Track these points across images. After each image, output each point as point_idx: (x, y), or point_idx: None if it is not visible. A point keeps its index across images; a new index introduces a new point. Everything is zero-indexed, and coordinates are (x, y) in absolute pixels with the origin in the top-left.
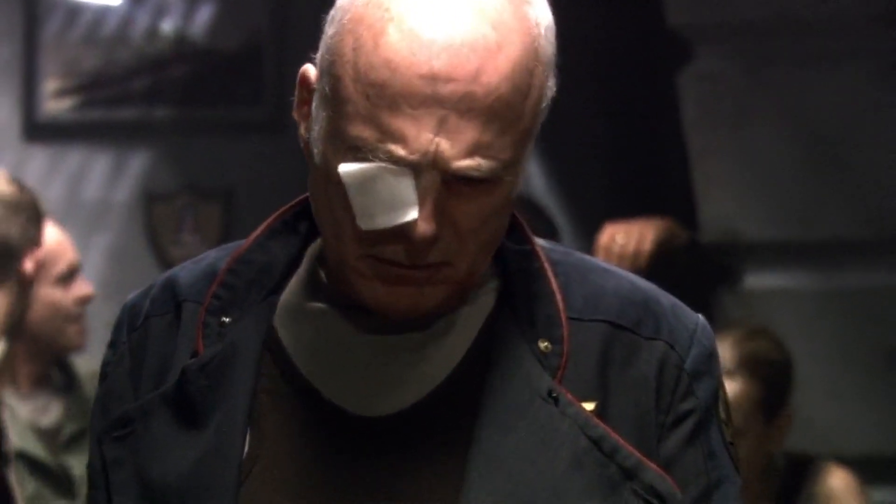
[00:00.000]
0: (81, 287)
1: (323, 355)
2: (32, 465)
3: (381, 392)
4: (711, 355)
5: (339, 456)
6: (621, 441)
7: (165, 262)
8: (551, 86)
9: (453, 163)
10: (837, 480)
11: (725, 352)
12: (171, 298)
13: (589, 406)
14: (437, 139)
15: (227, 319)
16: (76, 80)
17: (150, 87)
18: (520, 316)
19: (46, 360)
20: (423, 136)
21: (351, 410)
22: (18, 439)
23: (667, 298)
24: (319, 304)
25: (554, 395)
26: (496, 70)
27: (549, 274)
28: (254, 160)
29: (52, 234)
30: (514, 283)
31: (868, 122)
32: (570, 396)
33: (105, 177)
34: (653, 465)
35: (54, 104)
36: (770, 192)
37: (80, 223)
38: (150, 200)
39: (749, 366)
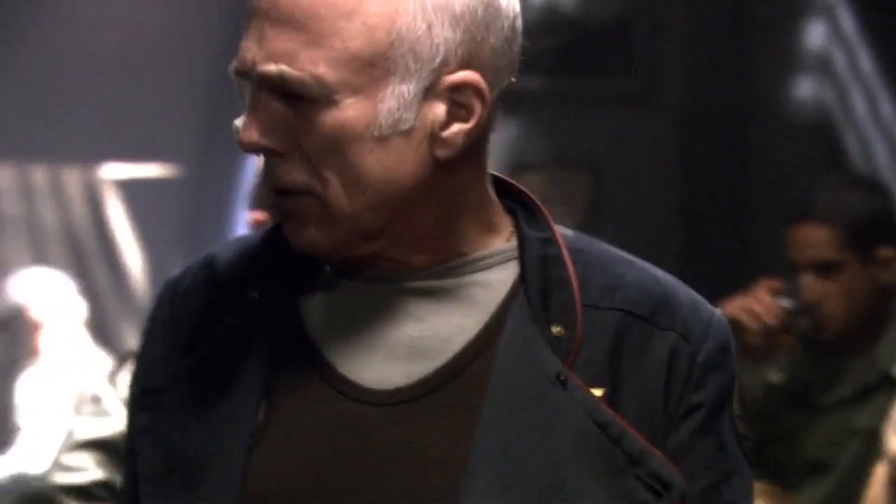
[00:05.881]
0: None
1: (336, 327)
2: None
3: (392, 365)
4: (725, 349)
5: (345, 428)
6: (628, 427)
7: None
8: (442, 35)
9: (258, 67)
10: None
11: None
12: (209, 275)
13: (598, 392)
14: (253, 47)
15: (256, 294)
16: None
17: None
18: (534, 301)
19: None
20: (246, 46)
21: (361, 383)
22: None
23: (686, 293)
24: (335, 276)
25: (562, 378)
26: None
27: (568, 261)
28: (622, 132)
29: None
30: (531, 268)
31: None
32: (579, 381)
33: None
34: (658, 453)
35: None
36: None
37: None
38: (518, 170)
39: None
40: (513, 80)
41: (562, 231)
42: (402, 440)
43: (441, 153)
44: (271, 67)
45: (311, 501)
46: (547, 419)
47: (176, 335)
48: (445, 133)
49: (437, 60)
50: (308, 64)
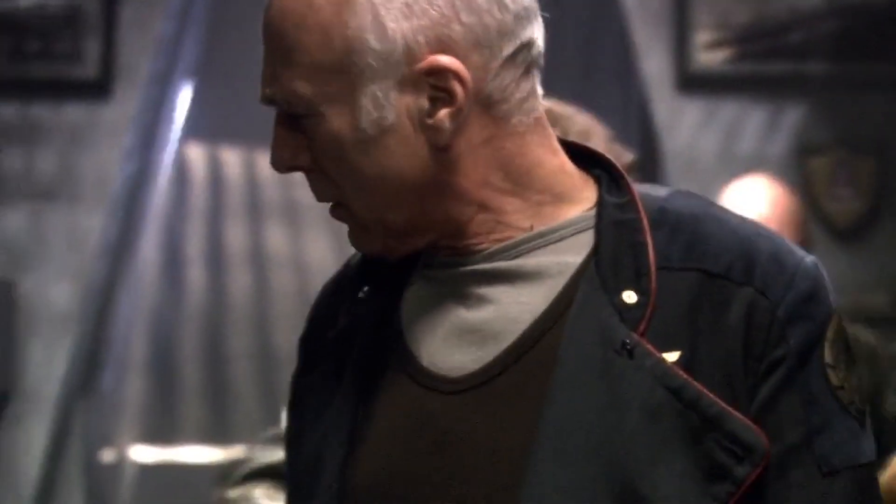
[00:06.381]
0: None
1: (417, 317)
2: None
3: (465, 350)
4: (811, 298)
5: (420, 419)
6: (704, 390)
7: (820, 216)
8: (396, 28)
9: (261, 95)
10: None
11: None
12: (341, 278)
13: (672, 356)
14: (263, 78)
15: (366, 289)
16: (729, 32)
17: (802, 41)
18: (605, 268)
19: None
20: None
21: (436, 371)
22: None
23: (769, 244)
24: (422, 267)
25: (629, 346)
26: (277, 5)
27: (645, 224)
28: None
29: None
30: (605, 234)
31: None
32: (649, 347)
33: (759, 130)
34: (737, 415)
35: (707, 56)
36: None
37: (733, 176)
38: (805, 154)
39: None
40: (527, 40)
41: (659, 192)
42: (471, 426)
43: (437, 140)
44: (267, 91)
45: (397, 500)
46: (612, 390)
47: (311, 343)
48: (432, 120)
49: (398, 52)
50: (287, 83)
